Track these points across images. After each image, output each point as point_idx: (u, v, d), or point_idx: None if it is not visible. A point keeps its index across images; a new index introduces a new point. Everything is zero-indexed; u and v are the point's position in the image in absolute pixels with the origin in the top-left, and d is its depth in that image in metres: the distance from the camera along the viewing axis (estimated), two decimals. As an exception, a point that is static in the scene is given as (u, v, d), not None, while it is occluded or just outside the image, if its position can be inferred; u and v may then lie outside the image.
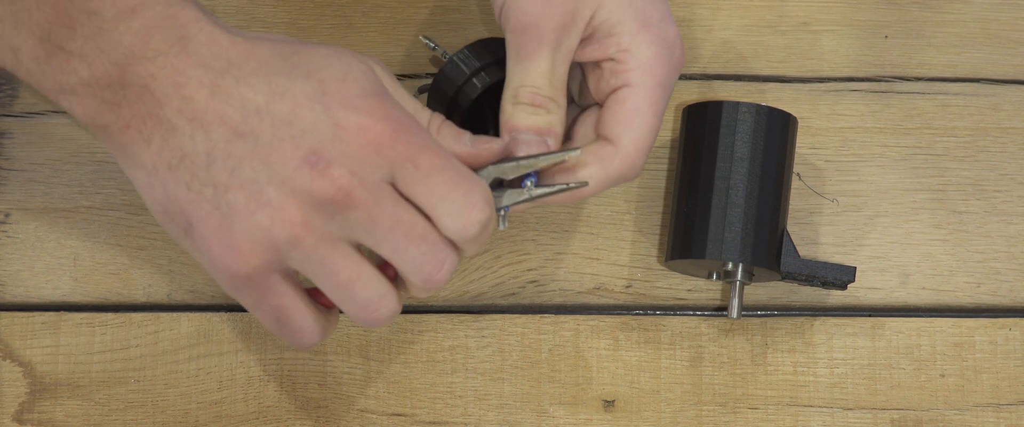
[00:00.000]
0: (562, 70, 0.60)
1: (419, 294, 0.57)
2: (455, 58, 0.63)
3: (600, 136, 0.60)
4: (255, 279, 0.54)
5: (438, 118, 0.58)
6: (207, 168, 0.53)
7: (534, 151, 0.59)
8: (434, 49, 0.67)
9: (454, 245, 0.56)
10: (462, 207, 0.55)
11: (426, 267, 0.55)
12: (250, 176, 0.53)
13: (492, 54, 0.63)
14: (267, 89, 0.53)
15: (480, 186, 0.55)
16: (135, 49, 0.53)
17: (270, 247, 0.53)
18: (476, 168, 0.58)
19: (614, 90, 0.60)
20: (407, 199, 0.54)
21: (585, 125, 0.62)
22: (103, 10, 0.52)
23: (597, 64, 0.61)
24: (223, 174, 0.53)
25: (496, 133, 0.61)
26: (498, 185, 0.59)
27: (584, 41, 0.60)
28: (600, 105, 0.61)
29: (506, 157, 0.59)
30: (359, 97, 0.54)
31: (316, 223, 0.53)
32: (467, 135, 0.58)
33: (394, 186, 0.54)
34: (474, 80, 0.62)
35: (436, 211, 0.55)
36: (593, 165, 0.60)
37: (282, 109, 0.53)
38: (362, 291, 0.55)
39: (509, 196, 0.59)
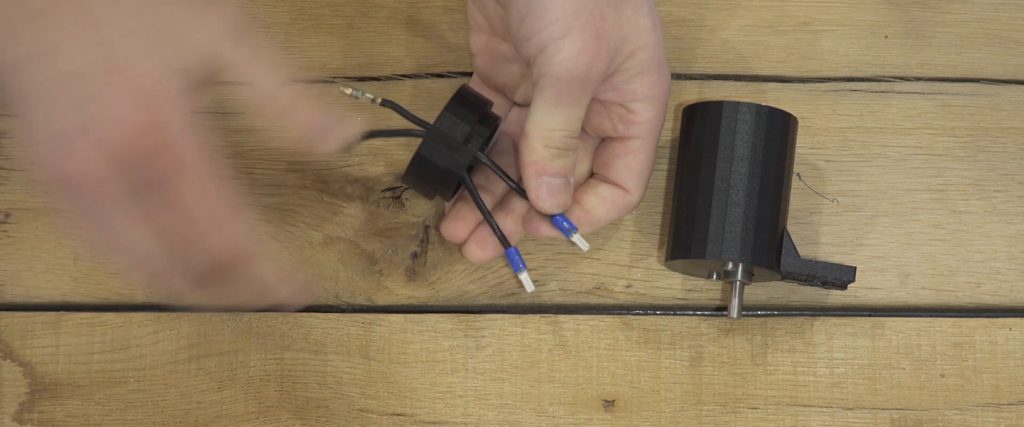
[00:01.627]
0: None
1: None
2: (438, 130, 0.61)
3: (611, 180, 0.64)
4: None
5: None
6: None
7: (559, 194, 0.62)
8: (358, 97, 0.63)
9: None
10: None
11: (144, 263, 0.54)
12: (30, 100, 0.52)
13: (468, 116, 0.62)
14: (68, 30, 0.51)
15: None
16: None
17: None
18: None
19: (623, 138, 0.63)
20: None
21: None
22: None
23: (604, 103, 0.63)
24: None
25: (457, 182, 0.62)
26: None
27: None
28: (595, 136, 0.65)
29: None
30: (133, 96, 0.51)
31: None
32: (521, 202, 0.64)
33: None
34: (465, 148, 0.61)
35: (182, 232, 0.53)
36: (606, 206, 0.64)
37: (66, 67, 0.51)
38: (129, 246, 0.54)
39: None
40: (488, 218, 0.63)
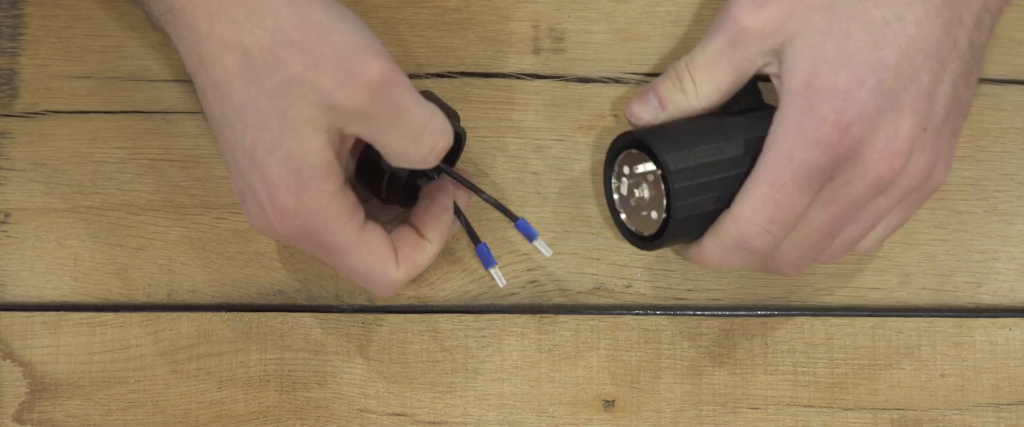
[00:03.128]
0: None
1: None
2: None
3: None
4: None
5: None
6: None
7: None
8: None
9: None
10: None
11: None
12: (222, 149, 0.58)
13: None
14: (220, 111, 0.56)
15: (388, 280, 0.60)
16: None
17: None
18: None
19: None
20: None
21: None
22: None
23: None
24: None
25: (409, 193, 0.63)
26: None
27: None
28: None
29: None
30: (275, 184, 0.55)
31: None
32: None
33: None
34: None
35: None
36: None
37: (228, 139, 0.56)
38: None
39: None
40: (463, 218, 0.64)
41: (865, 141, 0.56)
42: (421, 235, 0.61)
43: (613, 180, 0.63)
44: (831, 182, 0.57)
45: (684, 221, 0.59)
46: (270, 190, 0.55)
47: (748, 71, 0.60)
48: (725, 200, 0.59)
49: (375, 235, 0.58)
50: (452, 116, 0.62)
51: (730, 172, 0.58)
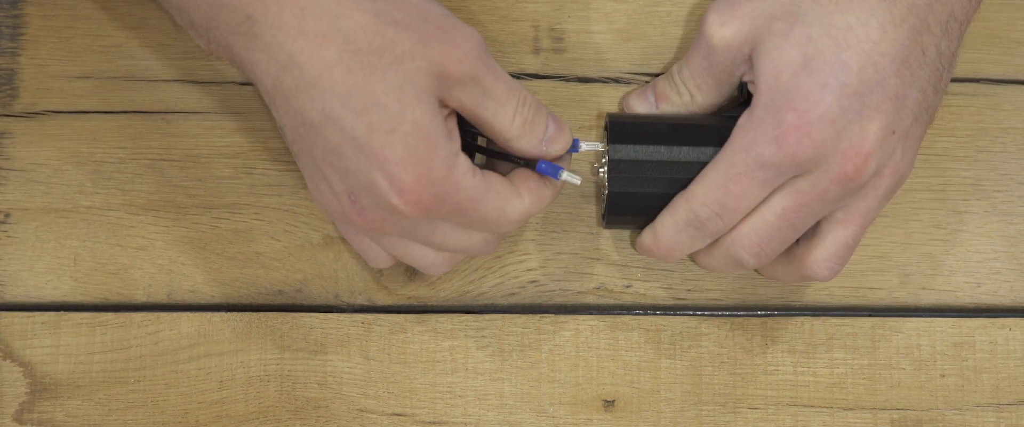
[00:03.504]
0: None
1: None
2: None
3: None
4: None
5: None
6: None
7: None
8: None
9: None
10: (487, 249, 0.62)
11: (435, 267, 0.63)
12: (308, 164, 0.58)
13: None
14: (321, 109, 0.55)
15: (497, 240, 0.62)
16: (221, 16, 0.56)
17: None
18: None
19: None
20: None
21: None
22: None
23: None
24: (294, 145, 0.59)
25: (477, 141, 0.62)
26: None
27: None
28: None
29: None
30: (400, 162, 0.55)
31: (350, 229, 0.63)
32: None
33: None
34: None
35: (462, 248, 0.61)
36: None
37: (331, 138, 0.55)
38: (416, 261, 0.63)
39: None
40: (508, 157, 0.62)
41: (828, 142, 0.57)
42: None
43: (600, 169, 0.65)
44: (799, 177, 0.59)
45: (621, 195, 0.62)
46: (395, 170, 0.55)
47: (728, 81, 0.62)
48: (677, 184, 0.61)
49: (492, 178, 0.59)
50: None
51: (682, 158, 0.61)
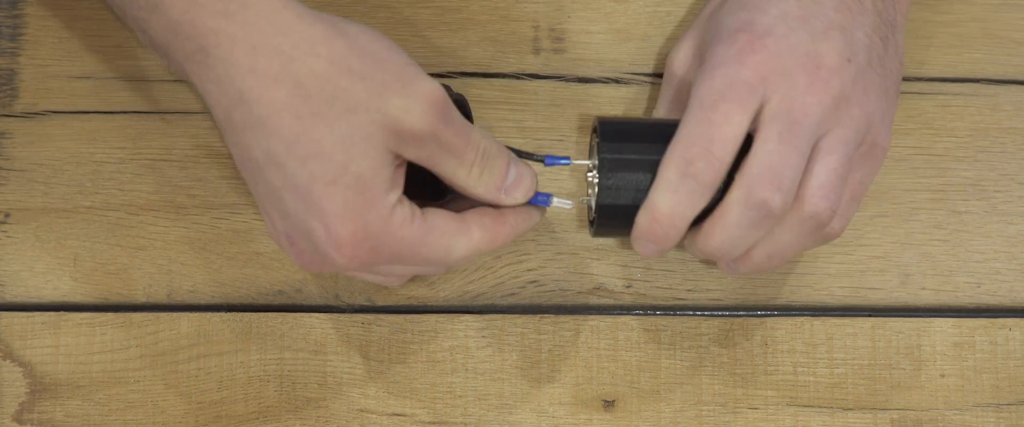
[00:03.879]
0: None
1: None
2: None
3: None
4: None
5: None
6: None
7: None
8: None
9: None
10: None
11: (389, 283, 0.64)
12: (254, 194, 0.57)
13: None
14: (265, 149, 0.54)
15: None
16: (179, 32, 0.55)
17: None
18: None
19: None
20: None
21: None
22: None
23: None
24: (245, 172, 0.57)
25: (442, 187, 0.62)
26: None
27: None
28: None
29: None
30: (338, 215, 0.54)
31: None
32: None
33: None
34: None
35: (409, 275, 0.62)
36: None
37: (272, 180, 0.55)
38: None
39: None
40: (519, 152, 0.61)
41: (783, 54, 0.58)
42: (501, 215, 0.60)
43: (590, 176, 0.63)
44: (771, 101, 0.58)
45: (611, 188, 0.59)
46: (331, 222, 0.54)
47: None
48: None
49: (436, 218, 0.57)
50: (459, 102, 0.62)
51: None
